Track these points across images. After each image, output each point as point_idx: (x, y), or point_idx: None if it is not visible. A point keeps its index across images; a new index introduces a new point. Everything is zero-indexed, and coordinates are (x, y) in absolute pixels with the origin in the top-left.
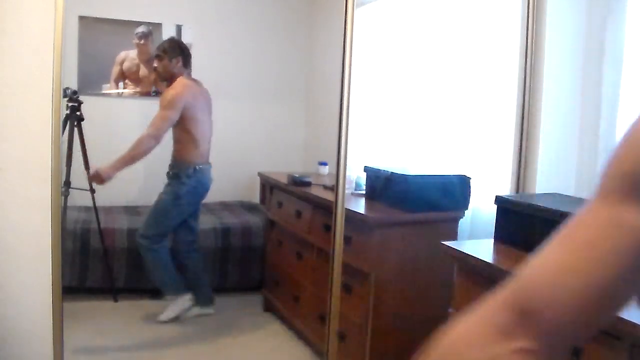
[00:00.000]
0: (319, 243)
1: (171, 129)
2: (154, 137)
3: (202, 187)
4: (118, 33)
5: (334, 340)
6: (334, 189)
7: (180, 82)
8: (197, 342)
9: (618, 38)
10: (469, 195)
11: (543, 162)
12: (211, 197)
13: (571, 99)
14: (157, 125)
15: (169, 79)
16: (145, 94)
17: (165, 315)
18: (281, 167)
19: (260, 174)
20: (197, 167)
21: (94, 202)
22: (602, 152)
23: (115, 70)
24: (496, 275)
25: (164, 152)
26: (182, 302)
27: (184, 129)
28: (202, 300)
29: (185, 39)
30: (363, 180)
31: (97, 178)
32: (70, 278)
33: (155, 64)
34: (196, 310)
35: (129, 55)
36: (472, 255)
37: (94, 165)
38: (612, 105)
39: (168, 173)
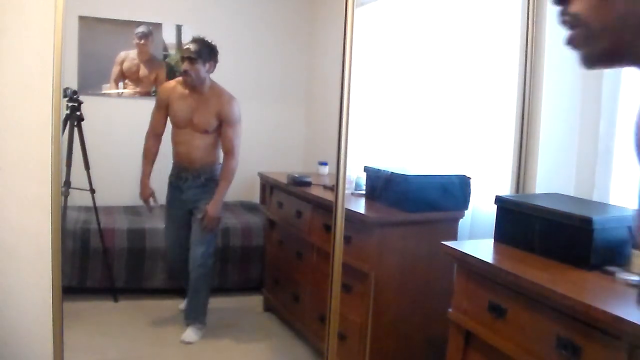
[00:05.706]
0: (319, 243)
1: (200, 134)
2: (238, 155)
3: None
4: (118, 33)
5: (334, 340)
6: (334, 189)
7: (222, 89)
8: (197, 342)
9: None
10: (469, 195)
11: (543, 162)
12: None
13: (571, 99)
14: (238, 145)
15: (199, 85)
16: (145, 94)
17: (190, 337)
18: (281, 167)
19: (260, 174)
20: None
21: (94, 202)
22: (602, 152)
23: (115, 70)
24: (496, 275)
25: (163, 152)
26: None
27: (219, 135)
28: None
29: (185, 39)
30: (363, 180)
31: (211, 220)
32: (70, 278)
33: (186, 67)
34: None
35: (129, 55)
36: (472, 255)
37: (206, 211)
38: (612, 105)
39: (195, 179)
